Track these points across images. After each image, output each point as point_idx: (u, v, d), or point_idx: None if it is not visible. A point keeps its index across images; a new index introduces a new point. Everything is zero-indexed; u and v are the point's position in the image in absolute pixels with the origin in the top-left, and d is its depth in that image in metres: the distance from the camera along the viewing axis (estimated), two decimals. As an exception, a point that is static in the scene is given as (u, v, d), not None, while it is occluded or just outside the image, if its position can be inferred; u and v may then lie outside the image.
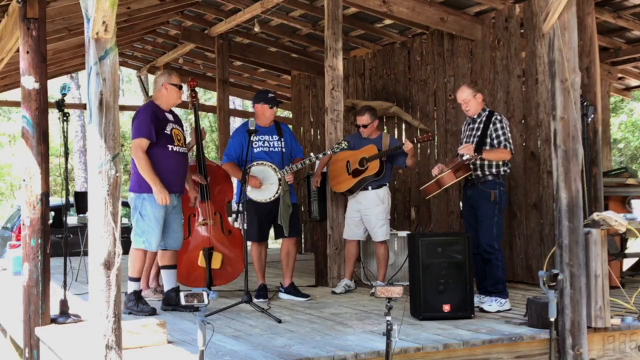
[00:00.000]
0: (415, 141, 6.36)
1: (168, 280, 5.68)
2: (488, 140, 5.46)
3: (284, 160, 6.09)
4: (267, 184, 5.99)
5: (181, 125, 5.75)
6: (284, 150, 6.13)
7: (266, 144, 6.14)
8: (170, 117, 5.61)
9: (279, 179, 5.99)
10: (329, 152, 6.30)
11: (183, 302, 3.49)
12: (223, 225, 6.31)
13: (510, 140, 5.48)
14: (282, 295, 6.21)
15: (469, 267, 5.07)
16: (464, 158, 5.45)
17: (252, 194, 5.99)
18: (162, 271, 5.77)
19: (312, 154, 6.17)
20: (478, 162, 5.47)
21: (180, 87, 5.63)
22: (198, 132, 6.36)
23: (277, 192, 5.98)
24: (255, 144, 6.08)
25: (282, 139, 6.18)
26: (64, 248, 5.43)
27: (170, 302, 5.57)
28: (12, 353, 6.28)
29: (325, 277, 6.99)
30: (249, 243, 6.02)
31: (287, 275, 6.25)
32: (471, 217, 5.58)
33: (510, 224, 7.17)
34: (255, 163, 5.99)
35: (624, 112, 19.40)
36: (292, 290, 6.21)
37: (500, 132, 5.44)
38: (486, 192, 5.43)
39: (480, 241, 5.37)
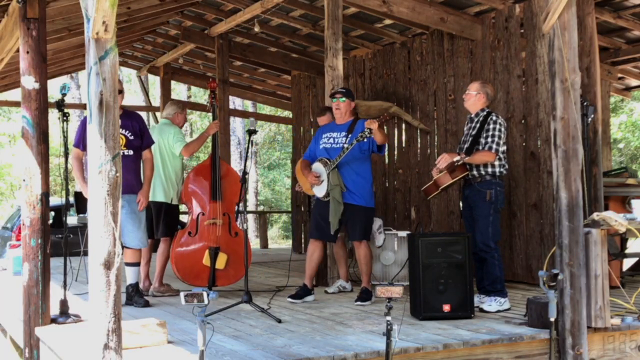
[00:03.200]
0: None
1: (127, 275, 5.84)
2: (482, 140, 5.46)
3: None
4: (322, 179, 6.09)
5: (129, 129, 5.72)
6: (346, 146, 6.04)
7: (330, 140, 6.16)
8: None
9: (328, 174, 6.01)
10: (354, 141, 6.21)
11: (183, 302, 3.49)
12: (230, 226, 6.32)
13: (500, 142, 5.40)
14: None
15: (469, 267, 5.07)
16: (455, 159, 5.45)
17: (315, 189, 6.16)
18: (125, 267, 5.85)
19: (344, 144, 6.09)
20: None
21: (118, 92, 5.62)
22: (216, 136, 6.46)
23: (327, 188, 6.01)
24: (322, 141, 6.19)
25: (350, 136, 6.06)
26: (64, 248, 5.45)
27: (126, 297, 5.81)
28: (12, 353, 6.28)
29: (325, 277, 6.98)
30: (250, 244, 6.02)
31: (363, 280, 6.11)
32: (470, 217, 5.59)
33: (510, 224, 7.18)
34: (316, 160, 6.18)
35: (624, 112, 19.41)
36: (364, 294, 5.94)
37: (490, 133, 5.41)
38: (482, 192, 5.43)
39: (476, 240, 5.37)
